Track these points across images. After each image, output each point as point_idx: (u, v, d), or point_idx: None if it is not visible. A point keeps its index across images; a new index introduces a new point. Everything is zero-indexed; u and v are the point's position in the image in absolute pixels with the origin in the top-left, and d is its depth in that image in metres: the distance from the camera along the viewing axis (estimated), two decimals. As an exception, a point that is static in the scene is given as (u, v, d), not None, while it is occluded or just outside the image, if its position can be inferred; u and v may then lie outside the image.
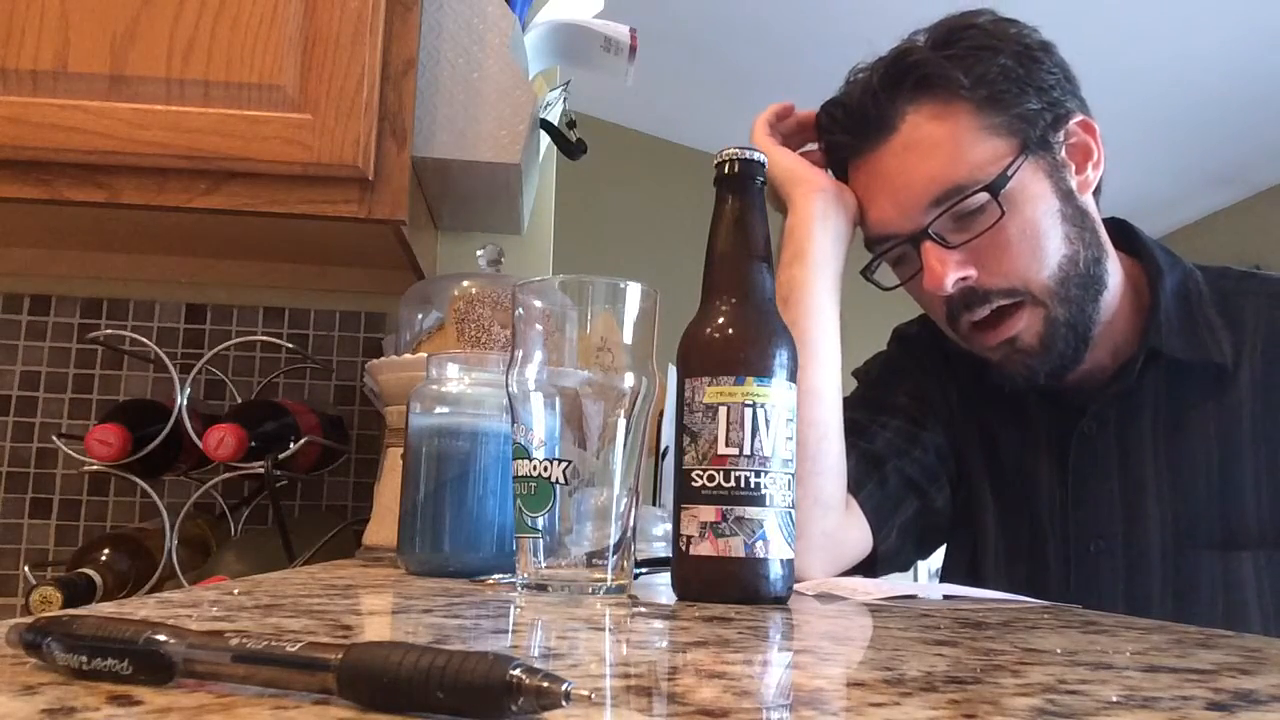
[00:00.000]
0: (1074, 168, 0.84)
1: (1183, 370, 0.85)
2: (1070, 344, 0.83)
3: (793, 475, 0.58)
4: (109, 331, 1.26)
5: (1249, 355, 0.84)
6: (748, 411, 0.57)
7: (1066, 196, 0.83)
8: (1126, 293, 0.87)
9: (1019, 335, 0.82)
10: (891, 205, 0.84)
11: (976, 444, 0.94)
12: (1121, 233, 0.90)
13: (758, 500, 0.56)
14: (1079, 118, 0.85)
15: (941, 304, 0.85)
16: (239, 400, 1.28)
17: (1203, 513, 0.83)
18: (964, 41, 0.83)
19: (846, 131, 0.87)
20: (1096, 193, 0.87)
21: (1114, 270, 0.86)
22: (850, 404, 0.87)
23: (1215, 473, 0.83)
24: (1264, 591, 0.80)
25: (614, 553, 0.55)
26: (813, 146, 0.93)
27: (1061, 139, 0.84)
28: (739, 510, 0.56)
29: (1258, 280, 0.89)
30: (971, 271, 0.81)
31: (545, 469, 0.55)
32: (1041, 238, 0.81)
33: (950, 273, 0.81)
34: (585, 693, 0.24)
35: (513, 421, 0.57)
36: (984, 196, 0.79)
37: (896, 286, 0.90)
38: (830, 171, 0.90)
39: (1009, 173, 0.79)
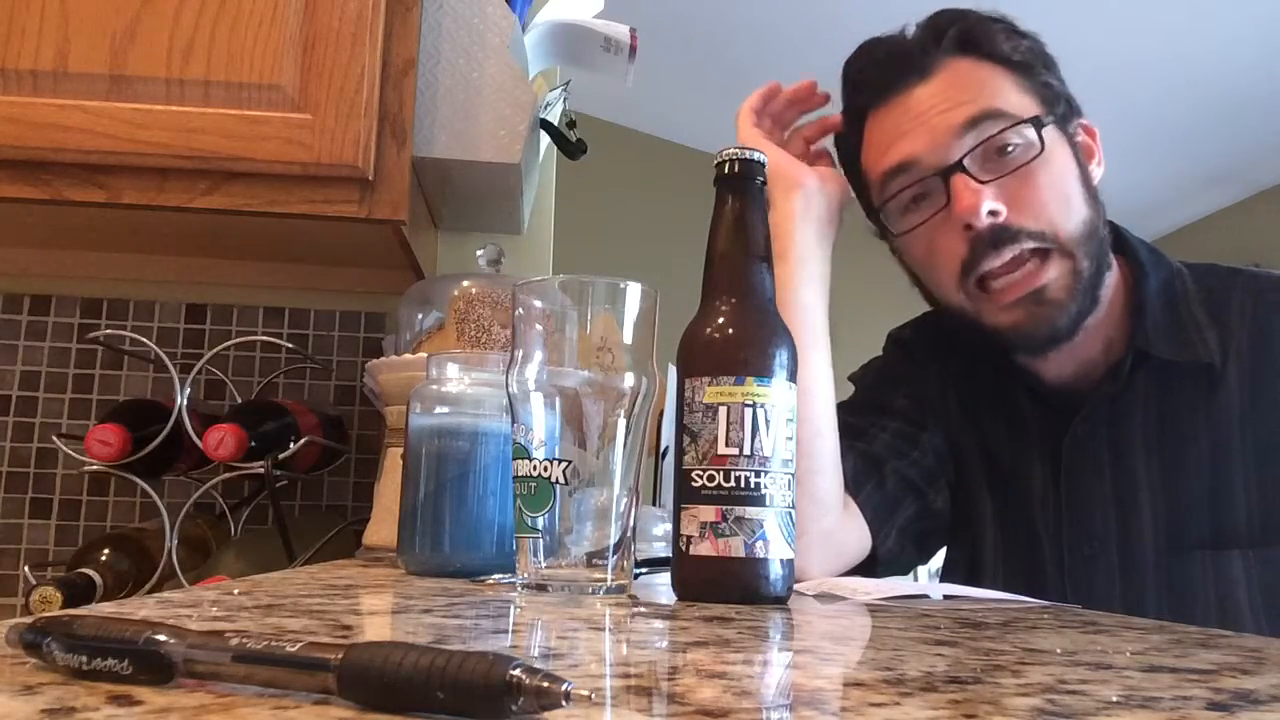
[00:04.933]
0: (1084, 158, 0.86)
1: (1172, 370, 0.85)
2: (1086, 304, 0.82)
3: (793, 475, 0.59)
4: (109, 331, 1.26)
5: (1235, 352, 0.84)
6: (748, 411, 0.57)
7: (1085, 171, 0.85)
8: (1119, 290, 0.87)
9: (1048, 286, 0.81)
10: (925, 133, 0.82)
11: (974, 447, 0.94)
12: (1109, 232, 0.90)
13: (758, 500, 0.56)
14: (1084, 120, 0.88)
15: (962, 246, 0.81)
16: (239, 400, 1.28)
17: (1194, 512, 0.83)
18: (993, 24, 0.86)
19: (883, 69, 0.86)
20: None
21: (1111, 263, 0.87)
22: (848, 408, 0.87)
23: (1206, 472, 0.83)
24: (1254, 589, 0.80)
25: (614, 553, 0.55)
26: (810, 118, 0.93)
27: (1074, 129, 0.86)
28: (739, 510, 0.56)
29: (1244, 276, 0.89)
30: (1002, 207, 0.80)
31: (545, 469, 0.55)
32: (1070, 193, 0.82)
33: (985, 201, 0.79)
34: (585, 693, 0.24)
35: (513, 421, 0.57)
36: (1024, 130, 0.80)
37: (905, 233, 0.86)
38: (842, 119, 0.91)
39: (1044, 120, 0.82)
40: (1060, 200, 0.81)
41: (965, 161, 0.80)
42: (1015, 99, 0.83)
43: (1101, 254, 0.83)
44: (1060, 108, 0.85)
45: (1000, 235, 0.80)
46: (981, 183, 0.80)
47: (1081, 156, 0.85)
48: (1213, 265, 0.91)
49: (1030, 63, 0.85)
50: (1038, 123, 0.81)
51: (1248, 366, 0.84)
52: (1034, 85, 0.84)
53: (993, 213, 0.79)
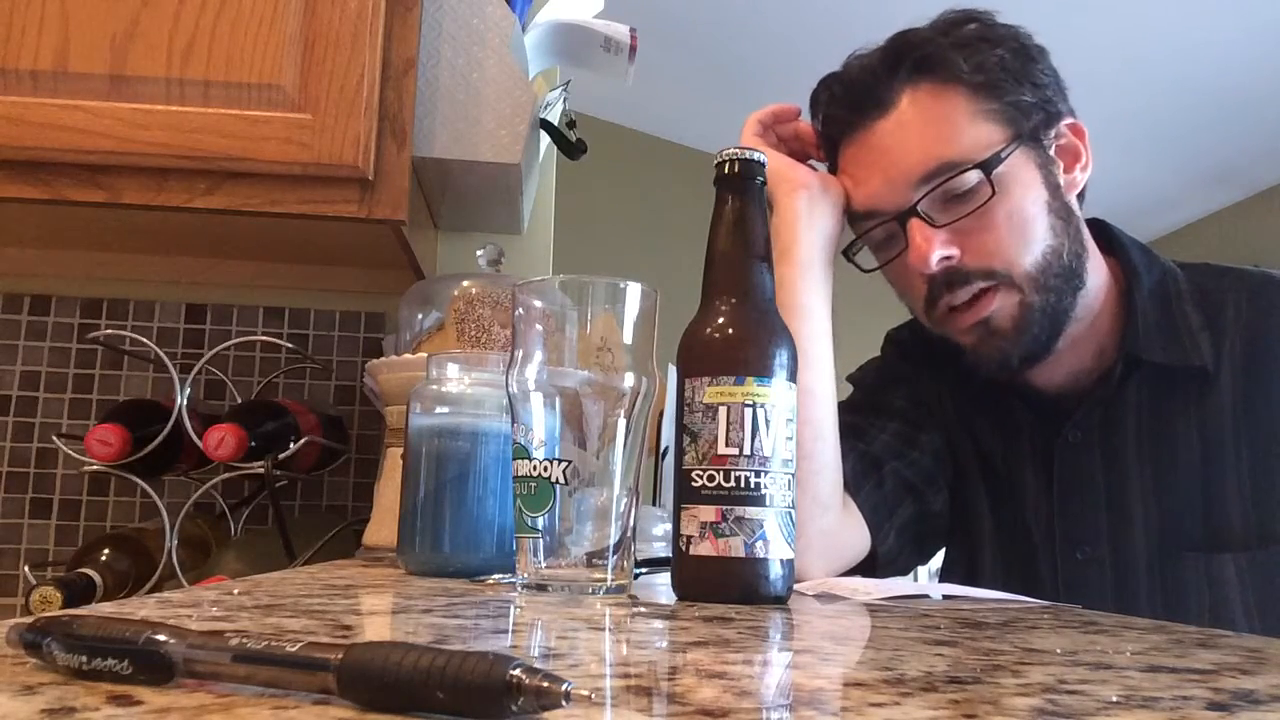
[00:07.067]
0: (1062, 167, 0.85)
1: (1164, 374, 0.84)
2: (1045, 330, 0.82)
3: (793, 475, 0.58)
4: (109, 331, 1.26)
5: (1229, 354, 0.84)
6: (748, 411, 0.57)
7: (1054, 190, 0.83)
8: (1110, 293, 0.87)
9: (992, 316, 0.82)
10: (882, 181, 0.83)
11: (969, 448, 0.94)
12: (1100, 233, 0.90)
13: (758, 500, 0.56)
14: (1069, 120, 0.86)
15: (923, 285, 0.84)
16: (239, 400, 1.28)
17: (1187, 516, 0.83)
18: (963, 32, 0.84)
19: (843, 106, 0.86)
20: (1080, 196, 0.87)
21: (1095, 270, 0.86)
22: (847, 408, 0.87)
23: (1198, 475, 0.83)
24: (1247, 592, 0.80)
25: (614, 553, 0.55)
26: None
27: (1052, 137, 0.85)
28: (739, 510, 0.56)
29: (1236, 275, 0.89)
30: (955, 251, 0.81)
31: (545, 469, 0.55)
32: (1028, 224, 0.81)
33: (935, 250, 0.80)
34: (585, 693, 0.24)
35: (513, 421, 0.57)
36: (976, 175, 0.79)
37: (876, 269, 0.89)
38: (821, 150, 0.90)
39: (1002, 155, 0.80)
40: (1018, 235, 0.81)
41: (920, 207, 0.81)
42: (974, 132, 0.81)
43: (1064, 285, 0.82)
44: (1034, 119, 0.82)
45: (953, 277, 0.81)
46: (937, 226, 0.81)
47: (1054, 172, 0.83)
48: (1207, 264, 0.91)
49: (996, 81, 0.82)
50: (988, 166, 0.79)
51: (1241, 368, 0.84)
52: (999, 106, 0.81)
53: (945, 258, 0.81)
